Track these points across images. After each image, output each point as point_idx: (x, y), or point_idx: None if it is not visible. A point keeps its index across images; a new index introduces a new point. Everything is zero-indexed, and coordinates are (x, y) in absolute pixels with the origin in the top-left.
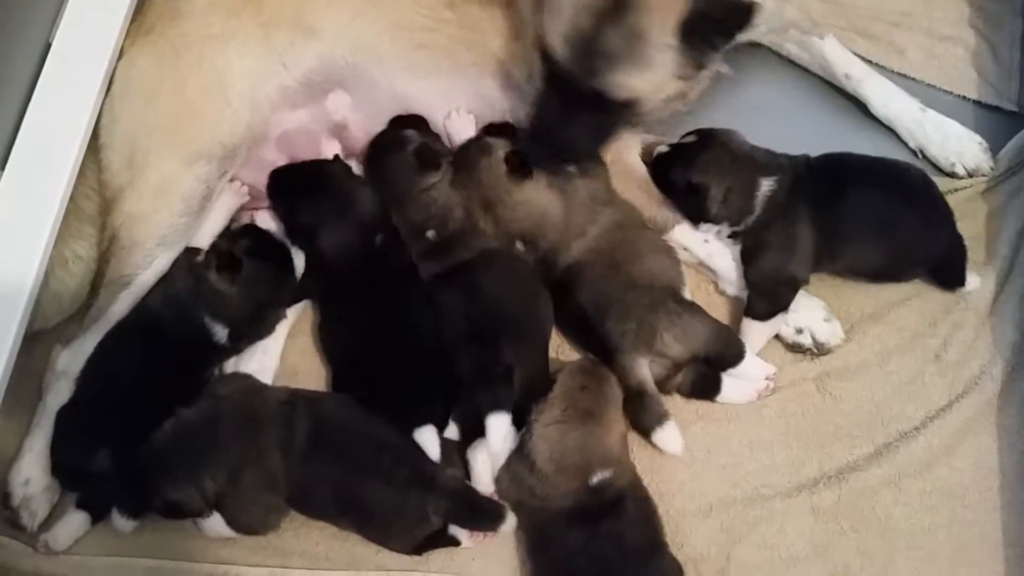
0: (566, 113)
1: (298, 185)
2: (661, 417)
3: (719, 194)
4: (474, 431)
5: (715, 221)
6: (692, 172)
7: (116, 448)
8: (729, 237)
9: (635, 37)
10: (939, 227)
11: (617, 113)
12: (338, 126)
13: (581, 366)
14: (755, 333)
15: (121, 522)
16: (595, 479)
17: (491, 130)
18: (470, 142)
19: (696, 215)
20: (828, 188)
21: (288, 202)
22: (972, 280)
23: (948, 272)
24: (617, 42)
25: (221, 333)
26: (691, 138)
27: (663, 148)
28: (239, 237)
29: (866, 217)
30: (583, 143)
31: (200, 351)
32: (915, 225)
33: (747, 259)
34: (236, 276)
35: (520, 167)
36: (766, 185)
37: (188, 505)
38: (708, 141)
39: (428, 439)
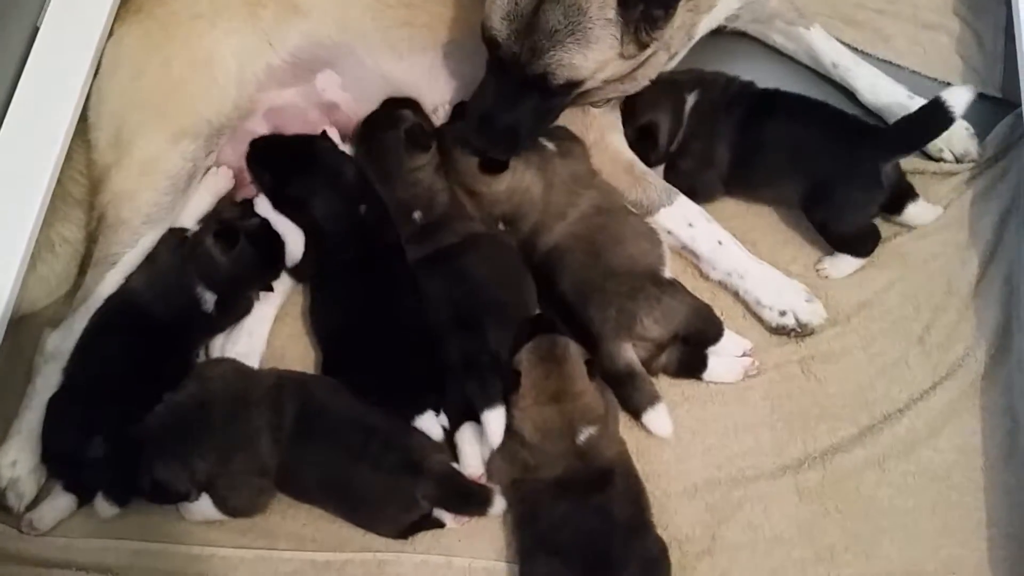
0: (508, 99)
1: (286, 161)
2: (653, 398)
3: (666, 122)
4: (461, 416)
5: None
6: (639, 119)
7: (109, 435)
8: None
9: (575, 12)
10: (859, 159)
11: (559, 96)
12: (329, 106)
13: (539, 353)
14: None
15: (104, 507)
16: (582, 437)
17: (461, 107)
18: (444, 130)
19: (657, 153)
20: (754, 117)
21: (273, 173)
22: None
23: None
24: (558, 18)
25: (209, 300)
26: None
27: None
28: (249, 215)
29: (781, 148)
30: (525, 129)
31: (187, 325)
32: (832, 157)
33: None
34: (230, 249)
35: (493, 163)
36: (691, 100)
37: (175, 486)
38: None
39: (429, 424)
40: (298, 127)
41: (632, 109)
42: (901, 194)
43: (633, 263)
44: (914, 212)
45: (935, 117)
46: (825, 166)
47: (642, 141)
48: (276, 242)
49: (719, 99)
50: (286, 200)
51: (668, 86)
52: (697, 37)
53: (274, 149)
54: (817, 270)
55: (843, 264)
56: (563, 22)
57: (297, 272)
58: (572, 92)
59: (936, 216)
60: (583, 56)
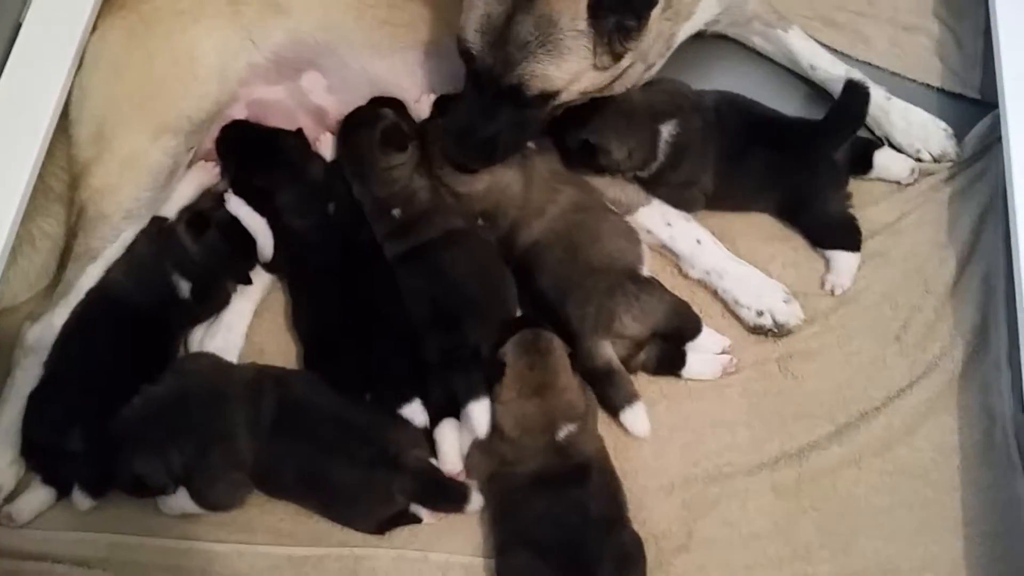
0: (485, 112)
1: (251, 153)
2: (631, 396)
3: (622, 153)
4: (441, 412)
5: (619, 171)
6: (586, 133)
7: (88, 427)
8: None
9: (546, 24)
10: (815, 157)
11: (536, 108)
12: (316, 110)
13: (524, 345)
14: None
15: (80, 499)
16: (561, 434)
17: (442, 101)
18: (428, 125)
19: (597, 170)
20: (731, 143)
21: (242, 170)
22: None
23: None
24: (529, 30)
25: (184, 288)
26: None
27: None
28: (222, 205)
29: (762, 173)
30: (504, 142)
31: (166, 315)
32: (795, 164)
33: (648, 185)
34: (200, 237)
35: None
36: (666, 131)
37: (153, 479)
38: (597, 102)
39: (416, 413)
40: (282, 123)
41: (582, 119)
42: (864, 152)
43: (611, 261)
44: (884, 162)
45: (856, 94)
46: (792, 174)
47: (580, 154)
48: (245, 233)
49: (700, 130)
50: (249, 190)
51: (639, 116)
52: (676, 45)
53: (241, 138)
54: (831, 292)
55: (843, 268)
56: (534, 33)
57: (270, 265)
58: (548, 104)
59: (909, 168)
60: (555, 67)
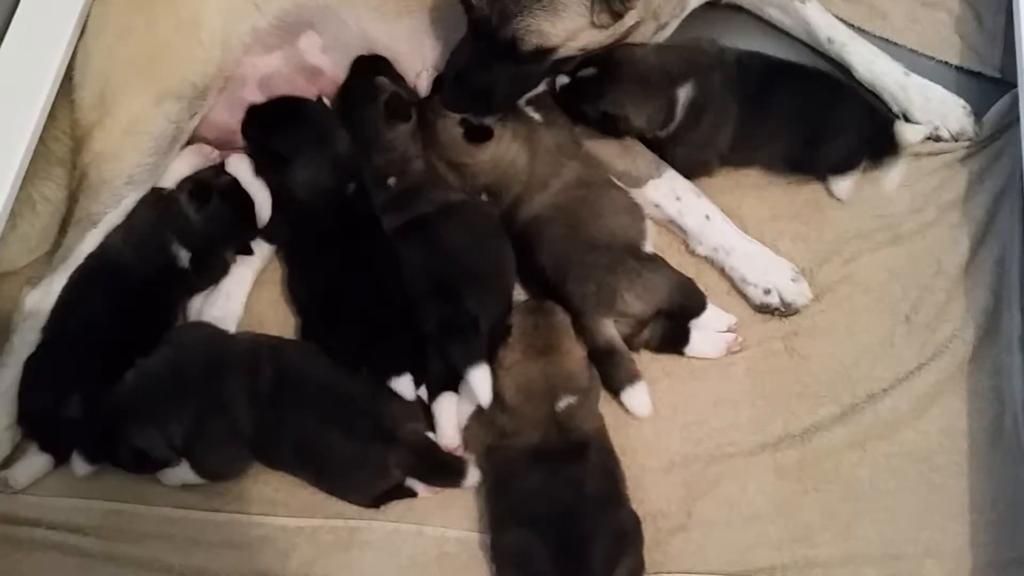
0: (484, 61)
1: (275, 117)
2: (632, 376)
3: (641, 120)
4: (440, 386)
5: (640, 135)
6: (604, 104)
7: (86, 393)
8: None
9: None
10: (854, 122)
11: (534, 64)
12: (312, 70)
13: (529, 307)
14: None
15: (79, 465)
16: (561, 404)
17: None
18: (426, 102)
19: (616, 136)
20: (756, 90)
21: (263, 133)
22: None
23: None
24: None
25: (184, 257)
26: (590, 70)
27: (564, 80)
28: (222, 173)
29: (787, 117)
30: (500, 93)
31: (165, 282)
32: (834, 121)
33: (666, 145)
34: (203, 206)
35: (478, 132)
36: (684, 94)
37: (155, 452)
38: (612, 70)
39: (406, 387)
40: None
41: (599, 90)
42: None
43: (613, 237)
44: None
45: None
46: (815, 113)
47: (606, 124)
48: (247, 199)
49: (718, 89)
50: (267, 154)
51: (655, 81)
52: (690, 8)
53: (265, 110)
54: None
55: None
56: None
57: (268, 233)
58: (545, 60)
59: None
60: (551, 23)
